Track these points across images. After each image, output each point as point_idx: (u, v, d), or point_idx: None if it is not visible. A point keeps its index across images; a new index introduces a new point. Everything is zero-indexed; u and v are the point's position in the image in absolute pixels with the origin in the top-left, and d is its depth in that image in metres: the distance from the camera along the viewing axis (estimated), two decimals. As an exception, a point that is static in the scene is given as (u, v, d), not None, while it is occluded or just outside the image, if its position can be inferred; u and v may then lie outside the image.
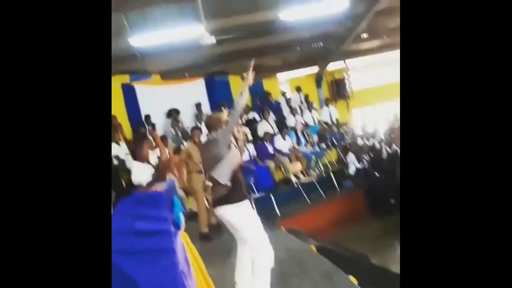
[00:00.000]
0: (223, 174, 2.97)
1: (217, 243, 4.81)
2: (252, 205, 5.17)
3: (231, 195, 2.96)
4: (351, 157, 8.78)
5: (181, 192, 5.81)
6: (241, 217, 2.97)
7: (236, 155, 3.08)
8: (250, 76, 3.12)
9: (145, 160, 4.14)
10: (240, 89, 3.17)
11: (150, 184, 3.55)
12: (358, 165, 8.50)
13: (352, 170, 8.69)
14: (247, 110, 9.90)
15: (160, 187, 2.81)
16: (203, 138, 8.19)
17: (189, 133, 7.09)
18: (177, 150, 6.61)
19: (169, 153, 5.04)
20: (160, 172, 3.09)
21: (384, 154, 8.32)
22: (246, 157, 7.66)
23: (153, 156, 4.46)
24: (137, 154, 4.14)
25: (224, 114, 3.42)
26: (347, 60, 11.69)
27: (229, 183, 2.96)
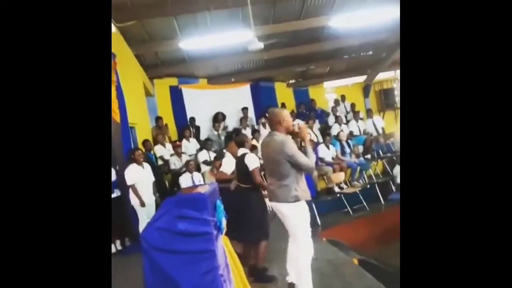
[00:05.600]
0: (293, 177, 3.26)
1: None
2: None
3: (296, 194, 3.25)
4: (397, 170, 8.46)
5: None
6: (297, 215, 3.25)
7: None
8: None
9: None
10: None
11: (194, 185, 3.59)
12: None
13: (398, 182, 8.37)
14: (292, 116, 9.82)
15: (203, 189, 2.81)
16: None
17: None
18: (220, 154, 6.62)
19: None
20: None
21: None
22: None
23: None
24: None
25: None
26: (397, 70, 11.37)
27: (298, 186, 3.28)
